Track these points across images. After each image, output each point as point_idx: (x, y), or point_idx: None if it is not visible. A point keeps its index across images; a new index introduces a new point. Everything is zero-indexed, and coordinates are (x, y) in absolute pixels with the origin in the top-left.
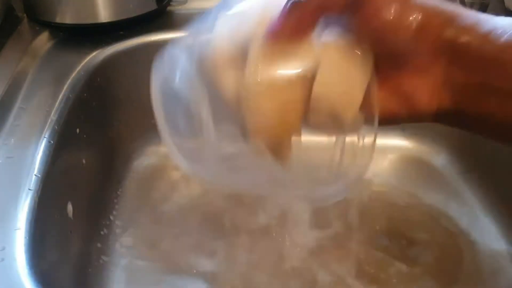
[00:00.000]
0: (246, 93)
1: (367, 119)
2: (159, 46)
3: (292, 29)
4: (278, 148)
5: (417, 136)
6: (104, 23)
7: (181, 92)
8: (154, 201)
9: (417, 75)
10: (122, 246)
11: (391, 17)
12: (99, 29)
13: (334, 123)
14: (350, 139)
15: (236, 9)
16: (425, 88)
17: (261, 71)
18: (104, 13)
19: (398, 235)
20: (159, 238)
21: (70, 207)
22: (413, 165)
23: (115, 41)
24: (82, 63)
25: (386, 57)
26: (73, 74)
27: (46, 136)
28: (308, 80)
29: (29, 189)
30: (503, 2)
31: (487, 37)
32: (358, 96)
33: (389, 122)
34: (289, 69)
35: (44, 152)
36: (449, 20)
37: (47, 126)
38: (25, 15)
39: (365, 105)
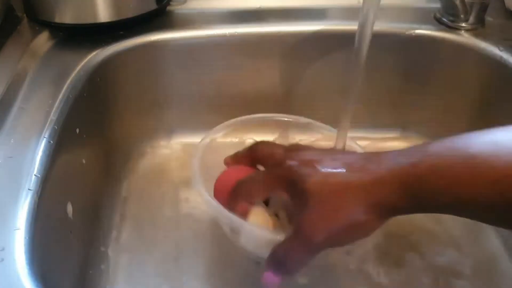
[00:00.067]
0: None
1: None
2: (159, 46)
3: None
4: None
5: (417, 136)
6: (104, 23)
7: None
8: (154, 201)
9: None
10: (122, 246)
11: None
12: (99, 29)
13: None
14: None
15: None
16: None
17: None
18: (104, 13)
19: (396, 235)
20: (159, 238)
21: (70, 207)
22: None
23: (115, 41)
24: (82, 63)
25: None
26: (73, 74)
27: (46, 136)
28: None
29: (29, 189)
30: (503, 3)
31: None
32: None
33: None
34: None
35: (44, 152)
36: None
37: (47, 126)
38: (24, 15)
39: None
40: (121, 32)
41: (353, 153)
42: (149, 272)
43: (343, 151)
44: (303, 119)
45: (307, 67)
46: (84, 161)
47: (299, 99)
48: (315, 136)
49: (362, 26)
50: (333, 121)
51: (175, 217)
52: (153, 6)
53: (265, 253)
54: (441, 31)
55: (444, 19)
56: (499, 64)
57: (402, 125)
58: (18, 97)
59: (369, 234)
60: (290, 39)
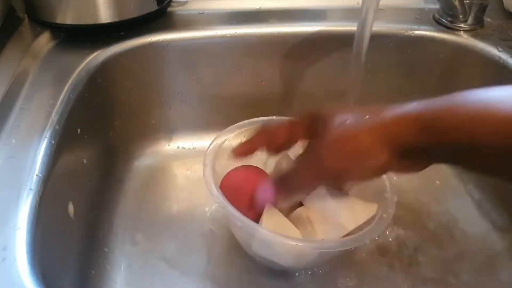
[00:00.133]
0: None
1: None
2: (159, 46)
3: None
4: None
5: None
6: (105, 23)
7: None
8: (155, 201)
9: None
10: (123, 245)
11: None
12: (100, 29)
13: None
14: None
15: None
16: None
17: None
18: (105, 13)
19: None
20: (159, 238)
21: (71, 207)
22: None
23: (116, 41)
24: (83, 64)
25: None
26: (74, 75)
27: (47, 136)
28: None
29: (30, 189)
30: (502, 3)
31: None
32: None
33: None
34: None
35: (45, 152)
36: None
37: (48, 126)
38: (26, 15)
39: None
40: (122, 33)
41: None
42: (150, 272)
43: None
44: None
45: (307, 68)
46: (85, 161)
47: (299, 99)
48: None
49: (361, 27)
50: None
51: (175, 217)
52: (154, 7)
53: (285, 259)
54: (440, 31)
55: (443, 20)
56: (498, 64)
57: None
58: (19, 98)
59: (382, 170)
60: (290, 39)
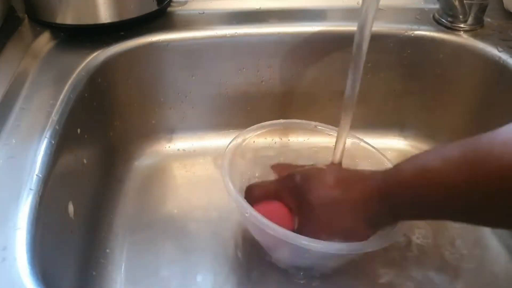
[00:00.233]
0: None
1: None
2: (159, 46)
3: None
4: None
5: (416, 136)
6: (105, 23)
7: None
8: (155, 201)
9: None
10: (123, 245)
11: None
12: (100, 29)
13: None
14: None
15: None
16: None
17: None
18: (105, 13)
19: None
20: (160, 238)
21: (71, 207)
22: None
23: (116, 41)
24: (83, 64)
25: None
26: (74, 75)
27: (47, 136)
28: None
29: (30, 189)
30: (502, 3)
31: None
32: None
33: None
34: None
35: (45, 152)
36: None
37: (48, 126)
38: (26, 15)
39: None
40: (122, 33)
41: (346, 170)
42: (150, 272)
43: (338, 167)
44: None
45: (307, 68)
46: (85, 161)
47: (299, 99)
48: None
49: (361, 27)
50: (333, 122)
51: (175, 217)
52: (154, 7)
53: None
54: (440, 32)
55: (443, 20)
56: (498, 64)
57: (401, 125)
58: (19, 98)
59: (363, 240)
60: (290, 39)
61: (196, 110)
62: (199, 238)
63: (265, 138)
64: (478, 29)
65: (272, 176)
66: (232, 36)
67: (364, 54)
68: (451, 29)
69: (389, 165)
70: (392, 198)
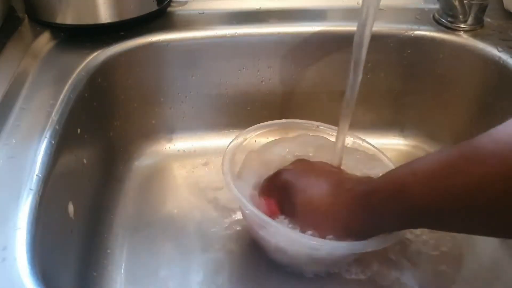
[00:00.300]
0: None
1: None
2: (159, 46)
3: None
4: None
5: (416, 136)
6: (105, 23)
7: None
8: (155, 201)
9: None
10: (123, 245)
11: None
12: (100, 29)
13: None
14: None
15: None
16: None
17: None
18: (105, 13)
19: None
20: (160, 238)
21: (71, 207)
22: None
23: (115, 41)
24: (83, 64)
25: None
26: (74, 75)
27: (47, 136)
28: None
29: (30, 189)
30: (502, 3)
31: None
32: None
33: None
34: None
35: (45, 152)
36: None
37: (48, 126)
38: (26, 15)
39: None
40: (122, 33)
41: (336, 174)
42: (150, 272)
43: (328, 169)
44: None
45: (307, 68)
46: (85, 161)
47: (299, 99)
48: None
49: (361, 27)
50: (333, 122)
51: (175, 217)
52: (154, 7)
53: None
54: (440, 32)
55: (443, 20)
56: (498, 64)
57: (401, 125)
58: (19, 98)
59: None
60: (290, 39)
61: (196, 110)
62: (199, 238)
63: (266, 138)
64: (478, 29)
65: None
66: (232, 36)
67: (364, 54)
68: (451, 29)
69: (391, 165)
70: (371, 211)
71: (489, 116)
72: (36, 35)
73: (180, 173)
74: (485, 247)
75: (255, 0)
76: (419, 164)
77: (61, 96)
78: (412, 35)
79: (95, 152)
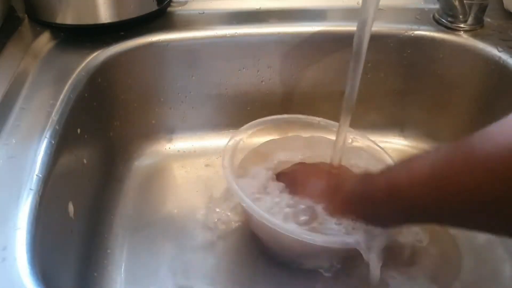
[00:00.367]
0: None
1: None
2: (159, 46)
3: None
4: None
5: (416, 136)
6: (105, 23)
7: None
8: (155, 201)
9: None
10: (123, 245)
11: None
12: (100, 29)
13: None
14: None
15: None
16: None
17: None
18: (105, 13)
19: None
20: (160, 238)
21: (71, 207)
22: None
23: (116, 41)
24: (83, 64)
25: None
26: (74, 75)
27: (47, 136)
28: None
29: (30, 189)
30: (502, 3)
31: None
32: None
33: None
34: None
35: (45, 152)
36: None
37: (48, 126)
38: (26, 15)
39: None
40: (122, 33)
41: (334, 176)
42: (150, 272)
43: (326, 171)
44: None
45: (307, 68)
46: (85, 161)
47: (299, 99)
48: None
49: (361, 27)
50: (333, 122)
51: (175, 217)
52: (154, 7)
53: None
54: (440, 32)
55: (443, 20)
56: (498, 64)
57: (401, 125)
58: (19, 98)
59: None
60: (290, 39)
61: (196, 110)
62: (199, 238)
63: (268, 134)
64: (478, 29)
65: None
66: (232, 36)
67: (364, 54)
68: (451, 29)
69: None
70: (373, 209)
71: (489, 116)
72: (36, 35)
73: (180, 173)
74: (484, 245)
75: (255, 0)
76: (416, 164)
77: (61, 96)
78: (412, 35)
79: (95, 152)
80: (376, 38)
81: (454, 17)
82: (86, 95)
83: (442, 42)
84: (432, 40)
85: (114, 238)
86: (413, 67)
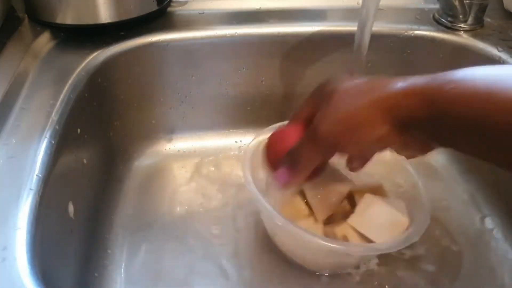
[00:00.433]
0: None
1: None
2: (159, 46)
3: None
4: None
5: None
6: (105, 23)
7: None
8: (155, 201)
9: None
10: (123, 245)
11: None
12: (100, 29)
13: None
14: None
15: None
16: None
17: None
18: (105, 13)
19: None
20: (159, 237)
21: (71, 207)
22: (412, 165)
23: (116, 41)
24: (83, 64)
25: None
26: (74, 75)
27: (47, 136)
28: None
29: (30, 189)
30: (502, 3)
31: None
32: None
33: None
34: None
35: (45, 152)
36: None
37: (48, 126)
38: (26, 15)
39: None
40: (122, 33)
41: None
42: (150, 272)
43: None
44: None
45: (307, 68)
46: (85, 161)
47: (299, 99)
48: None
49: (361, 27)
50: None
51: (175, 216)
52: (154, 7)
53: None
54: (440, 31)
55: (443, 20)
56: (498, 64)
57: None
58: (19, 98)
59: (381, 143)
60: (290, 39)
61: (196, 110)
62: (199, 238)
63: None
64: (478, 29)
65: None
66: (232, 36)
67: (364, 53)
68: (451, 29)
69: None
70: (439, 94)
71: None
72: (36, 35)
73: (180, 173)
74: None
75: (255, 0)
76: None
77: (61, 96)
78: (412, 35)
79: (95, 152)
80: (376, 38)
81: (454, 17)
82: (86, 95)
83: (442, 42)
84: (432, 40)
85: (114, 238)
86: (413, 67)
